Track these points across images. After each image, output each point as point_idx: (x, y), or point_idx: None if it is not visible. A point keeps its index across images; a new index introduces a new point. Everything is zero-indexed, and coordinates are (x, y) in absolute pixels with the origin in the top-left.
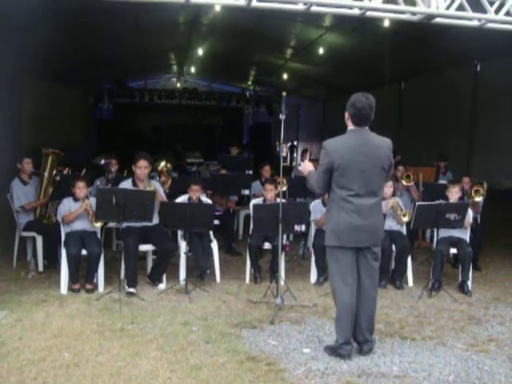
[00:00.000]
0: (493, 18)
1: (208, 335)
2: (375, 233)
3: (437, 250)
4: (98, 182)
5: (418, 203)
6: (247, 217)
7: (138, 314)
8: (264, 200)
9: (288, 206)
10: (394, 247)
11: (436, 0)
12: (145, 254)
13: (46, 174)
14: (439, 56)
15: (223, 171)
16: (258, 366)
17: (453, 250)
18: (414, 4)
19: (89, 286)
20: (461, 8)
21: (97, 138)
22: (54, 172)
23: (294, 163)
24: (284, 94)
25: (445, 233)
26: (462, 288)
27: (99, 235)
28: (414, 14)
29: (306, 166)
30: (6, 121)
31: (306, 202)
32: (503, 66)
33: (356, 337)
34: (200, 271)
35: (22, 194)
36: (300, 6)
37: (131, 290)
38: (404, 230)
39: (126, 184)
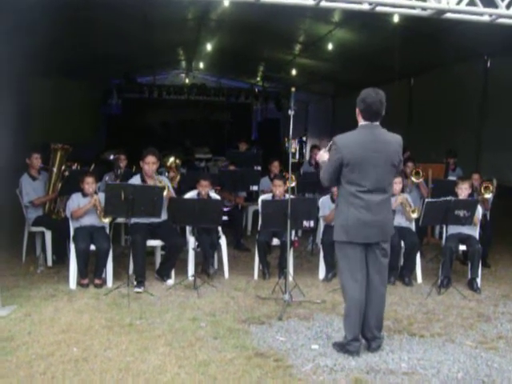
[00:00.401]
0: (504, 13)
1: (216, 331)
2: (384, 228)
3: (446, 246)
4: (107, 178)
5: (426, 200)
6: (256, 213)
7: (147, 309)
8: (273, 196)
9: (297, 202)
10: (402, 244)
11: None
12: (153, 249)
13: (55, 170)
14: (449, 51)
15: (232, 167)
16: (266, 361)
17: (462, 247)
18: None
19: (97, 281)
20: (471, 3)
21: (106, 133)
22: (63, 167)
23: (303, 159)
24: (293, 89)
25: (454, 229)
26: (471, 285)
27: (108, 230)
28: (424, 9)
29: (323, 156)
30: (15, 117)
31: (315, 197)
32: None
33: (364, 333)
34: (206, 267)
35: (31, 190)
36: (309, 1)
37: (138, 289)
38: (413, 227)
39: (135, 180)
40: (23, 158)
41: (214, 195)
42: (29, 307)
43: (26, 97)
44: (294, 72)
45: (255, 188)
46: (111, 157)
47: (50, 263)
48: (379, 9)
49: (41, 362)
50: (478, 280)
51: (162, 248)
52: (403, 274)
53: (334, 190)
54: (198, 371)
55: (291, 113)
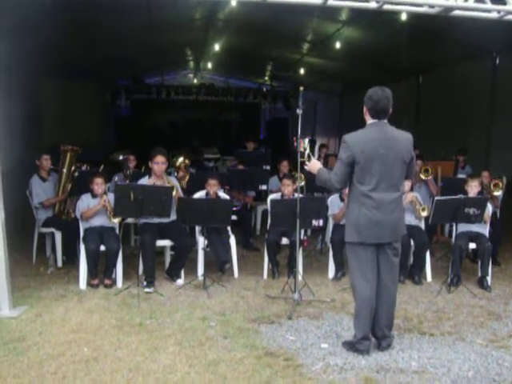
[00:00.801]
0: None
1: (226, 330)
2: (396, 228)
3: (455, 244)
4: (116, 178)
5: (436, 198)
6: (265, 212)
7: (157, 309)
8: (282, 195)
9: (305, 201)
10: (412, 242)
11: None
12: (163, 249)
13: (65, 171)
14: (457, 49)
15: (240, 167)
16: (275, 361)
17: (472, 245)
18: None
19: (107, 282)
20: (479, 0)
21: (115, 134)
22: (73, 168)
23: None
24: (301, 88)
25: (464, 227)
26: (482, 283)
27: (117, 231)
28: (431, 6)
29: (315, 165)
30: (24, 119)
31: (324, 196)
32: None
33: (375, 332)
34: (221, 263)
35: (41, 191)
36: (317, 0)
37: (148, 289)
38: (422, 225)
39: (144, 181)
40: (33, 160)
41: (223, 195)
42: (39, 308)
43: (35, 99)
44: (302, 71)
45: (264, 187)
46: (120, 157)
47: (60, 264)
48: (387, 7)
49: (52, 362)
50: (488, 278)
51: (172, 248)
52: (413, 273)
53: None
54: (208, 370)
55: (299, 112)
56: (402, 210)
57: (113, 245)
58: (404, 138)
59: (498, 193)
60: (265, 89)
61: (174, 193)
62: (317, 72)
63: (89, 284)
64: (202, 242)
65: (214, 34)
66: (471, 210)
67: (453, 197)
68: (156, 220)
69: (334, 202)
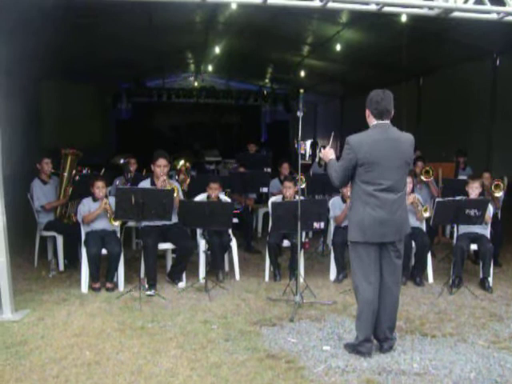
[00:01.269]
0: None
1: (228, 333)
2: (401, 227)
3: (457, 246)
4: (118, 182)
5: (437, 199)
6: (266, 215)
7: (158, 312)
8: (283, 198)
9: (307, 204)
10: (413, 244)
11: None
12: (164, 252)
13: (66, 174)
14: (457, 50)
15: (241, 169)
16: (277, 363)
17: (473, 246)
18: None
19: (109, 285)
20: (479, 1)
21: (116, 137)
22: (74, 172)
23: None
24: (302, 91)
25: (465, 229)
26: (483, 284)
27: (119, 234)
28: (431, 8)
29: (328, 154)
30: (25, 122)
31: (325, 199)
32: None
33: (377, 335)
34: (216, 270)
35: (42, 194)
36: (316, 3)
37: (150, 292)
38: (424, 227)
39: (145, 184)
40: (34, 163)
41: (224, 198)
42: (41, 311)
43: (36, 102)
44: (302, 73)
45: (265, 190)
46: (121, 161)
47: (61, 267)
48: (386, 9)
49: (54, 365)
50: (490, 279)
51: (173, 251)
52: (414, 274)
53: (345, 190)
54: (210, 373)
55: (300, 114)
56: (405, 209)
57: (114, 248)
58: (405, 138)
59: (499, 194)
60: (265, 91)
61: (174, 194)
62: (317, 74)
63: (90, 287)
64: (203, 244)
65: (214, 37)
66: (472, 212)
67: (454, 198)
68: (157, 223)
69: (335, 204)
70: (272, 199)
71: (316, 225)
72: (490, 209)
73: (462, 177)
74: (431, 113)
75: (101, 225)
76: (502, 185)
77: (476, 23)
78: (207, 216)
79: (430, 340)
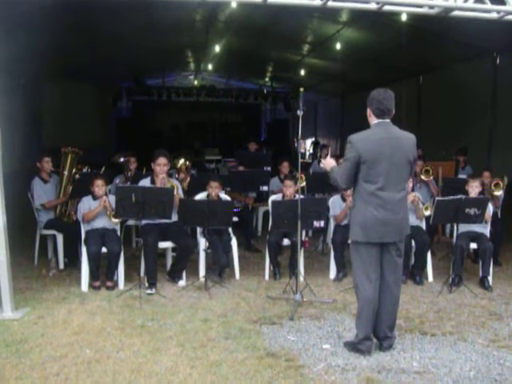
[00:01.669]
0: None
1: (228, 331)
2: (402, 227)
3: (457, 244)
4: (118, 180)
5: (437, 198)
6: (266, 213)
7: (159, 310)
8: (283, 196)
9: (307, 202)
10: (413, 242)
11: None
12: (164, 251)
13: (66, 173)
14: (457, 49)
15: (241, 168)
16: (277, 362)
17: (473, 245)
18: None
19: (109, 284)
20: (479, 0)
21: (116, 136)
22: (74, 171)
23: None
24: (302, 90)
25: (465, 227)
26: (483, 283)
27: (119, 233)
28: (431, 7)
29: (329, 162)
30: (25, 121)
31: (325, 197)
32: None
33: (377, 333)
34: (220, 268)
35: (42, 193)
36: (316, 2)
37: (150, 291)
38: (423, 225)
39: (145, 182)
40: (35, 162)
41: (224, 196)
42: (41, 310)
43: (36, 101)
44: (302, 72)
45: (265, 188)
46: (121, 159)
47: (61, 266)
48: (387, 8)
49: (54, 363)
50: (490, 278)
51: (173, 249)
52: (414, 273)
53: None
54: (210, 372)
55: (300, 113)
56: (406, 209)
57: (114, 247)
58: (406, 137)
59: (499, 193)
60: (265, 90)
61: (174, 192)
62: (317, 73)
63: (91, 286)
64: (203, 243)
65: (214, 36)
66: (472, 211)
67: (453, 197)
68: (157, 221)
69: (335, 203)
70: (272, 198)
71: (316, 223)
72: (490, 208)
73: (462, 176)
74: (431, 112)
75: (101, 223)
76: (501, 184)
77: (476, 22)
78: (207, 215)
79: (430, 338)
